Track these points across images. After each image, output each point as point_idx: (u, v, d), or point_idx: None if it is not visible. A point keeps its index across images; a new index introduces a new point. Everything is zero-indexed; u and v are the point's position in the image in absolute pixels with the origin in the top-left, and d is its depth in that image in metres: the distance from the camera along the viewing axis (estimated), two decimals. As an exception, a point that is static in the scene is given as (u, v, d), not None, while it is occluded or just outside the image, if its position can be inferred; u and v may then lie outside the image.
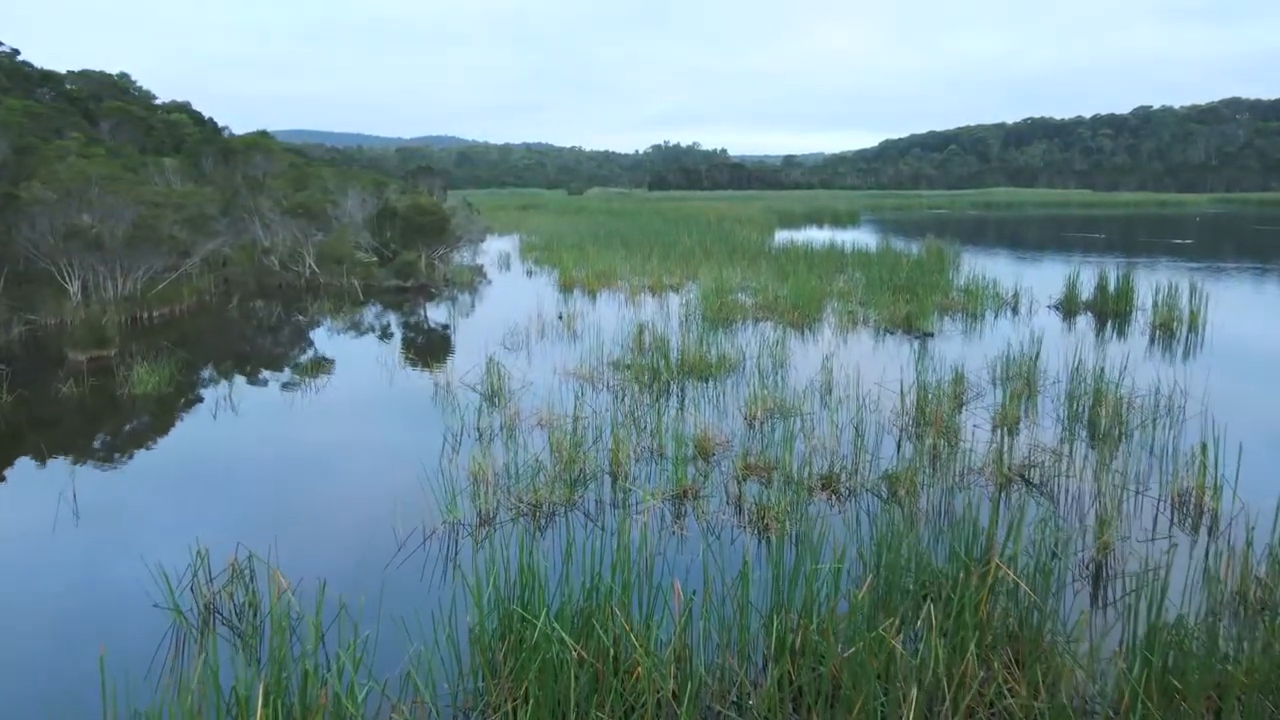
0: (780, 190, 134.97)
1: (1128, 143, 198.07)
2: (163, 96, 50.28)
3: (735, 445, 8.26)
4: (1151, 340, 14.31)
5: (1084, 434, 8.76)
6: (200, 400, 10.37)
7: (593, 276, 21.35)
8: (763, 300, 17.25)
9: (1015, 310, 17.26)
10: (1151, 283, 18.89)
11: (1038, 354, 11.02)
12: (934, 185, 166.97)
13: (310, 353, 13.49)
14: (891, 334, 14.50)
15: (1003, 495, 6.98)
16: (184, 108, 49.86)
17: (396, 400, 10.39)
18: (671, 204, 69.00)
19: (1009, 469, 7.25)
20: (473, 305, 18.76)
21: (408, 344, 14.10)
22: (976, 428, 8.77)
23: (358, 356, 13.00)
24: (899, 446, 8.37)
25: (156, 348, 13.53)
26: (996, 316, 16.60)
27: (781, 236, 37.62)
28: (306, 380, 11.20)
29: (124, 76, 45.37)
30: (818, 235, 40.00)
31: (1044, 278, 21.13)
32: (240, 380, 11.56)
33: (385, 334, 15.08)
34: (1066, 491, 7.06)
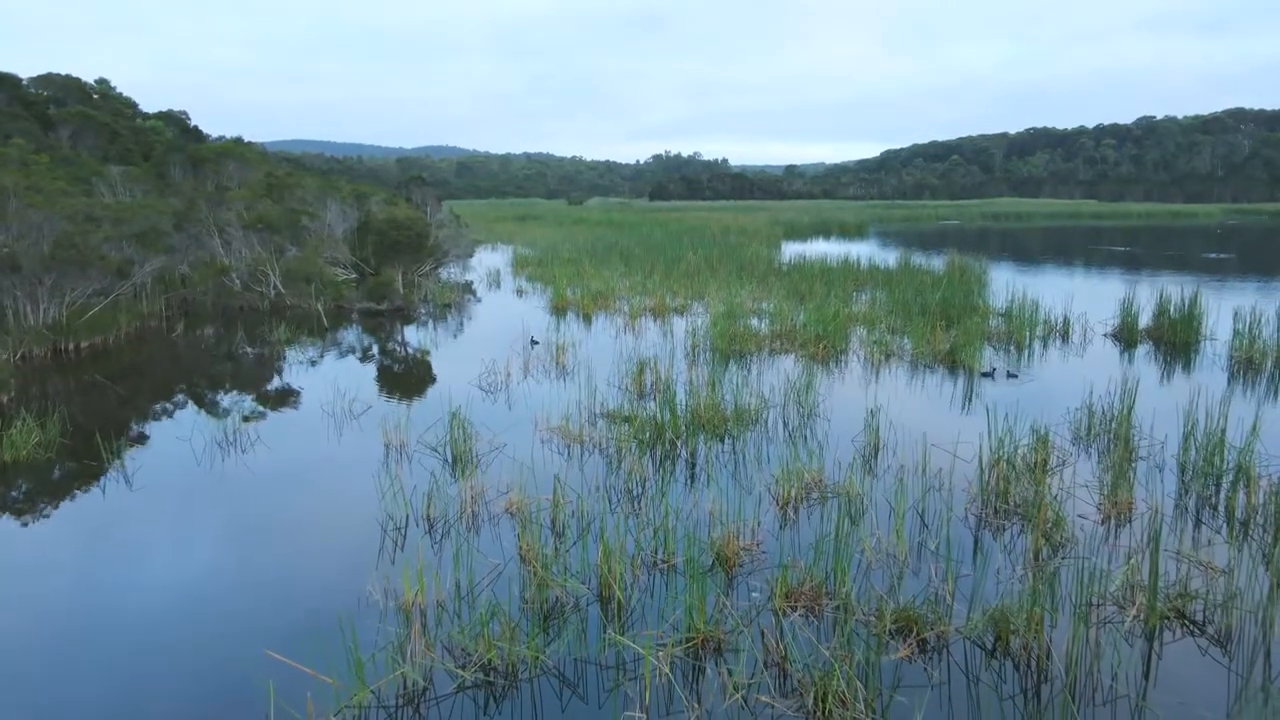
0: (782, 200, 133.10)
1: (1131, 153, 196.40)
2: (160, 106, 48.64)
3: (767, 548, 6.18)
4: (1233, 377, 12.23)
5: (1214, 522, 6.68)
6: (81, 474, 8.26)
7: (588, 297, 19.32)
8: (779, 327, 15.19)
9: (1066, 338, 15.20)
10: (1217, 306, 16.85)
11: (1131, 407, 8.93)
12: (937, 195, 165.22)
13: (246, 398, 11.42)
14: (932, 371, 12.43)
15: (1158, 649, 4.89)
16: (170, 116, 48.04)
17: (334, 471, 8.31)
18: (673, 215, 67.09)
19: (1163, 602, 5.14)
20: (452, 332, 16.71)
21: (365, 385, 12.03)
22: (1081, 519, 6.68)
23: (301, 404, 10.93)
24: (978, 545, 6.29)
25: (68, 390, 11.48)
26: (1046, 346, 14.53)
27: (789, 250, 35.64)
28: (230, 440, 9.12)
29: (103, 82, 43.51)
30: (827, 249, 37.99)
31: (1086, 298, 19.02)
32: (144, 441, 9.49)
33: (342, 372, 13.00)
34: (1249, 644, 4.96)
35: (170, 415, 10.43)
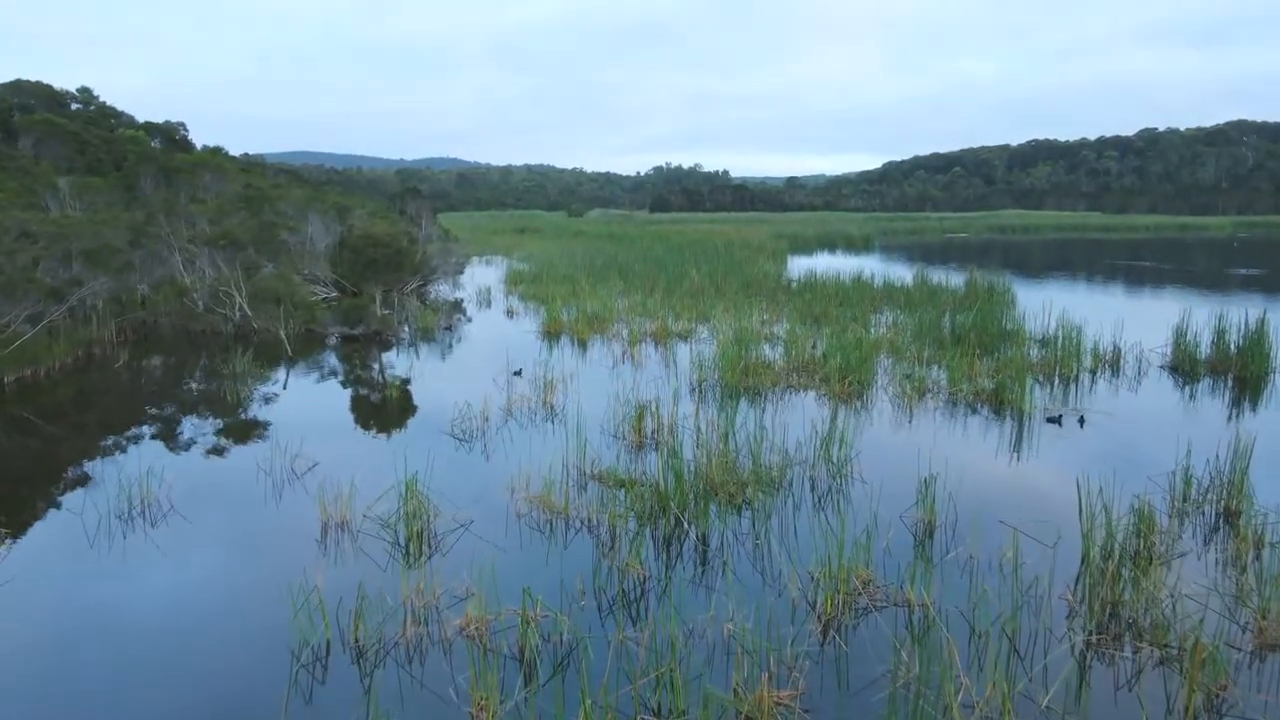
0: (784, 212, 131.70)
1: (1134, 165, 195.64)
2: (160, 117, 47.54)
3: (811, 699, 4.52)
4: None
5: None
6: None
7: (583, 320, 17.69)
8: (795, 357, 13.56)
9: (1116, 370, 13.53)
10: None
11: (1245, 470, 7.27)
12: (940, 207, 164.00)
13: (171, 450, 9.77)
14: (975, 412, 10.78)
15: None
16: (156, 126, 46.65)
17: (252, 558, 6.63)
18: (674, 227, 65.60)
19: None
20: (430, 362, 15.07)
21: (317, 433, 10.38)
22: (1237, 651, 5.00)
23: (237, 458, 9.26)
24: (1088, 686, 4.63)
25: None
26: (1095, 380, 12.88)
27: (796, 265, 34.08)
28: (136, 509, 7.46)
29: (85, 90, 42.06)
30: (835, 263, 36.45)
31: (1126, 320, 17.15)
32: (31, 511, 7.83)
33: (294, 414, 11.36)
34: None
35: (74, 472, 8.76)
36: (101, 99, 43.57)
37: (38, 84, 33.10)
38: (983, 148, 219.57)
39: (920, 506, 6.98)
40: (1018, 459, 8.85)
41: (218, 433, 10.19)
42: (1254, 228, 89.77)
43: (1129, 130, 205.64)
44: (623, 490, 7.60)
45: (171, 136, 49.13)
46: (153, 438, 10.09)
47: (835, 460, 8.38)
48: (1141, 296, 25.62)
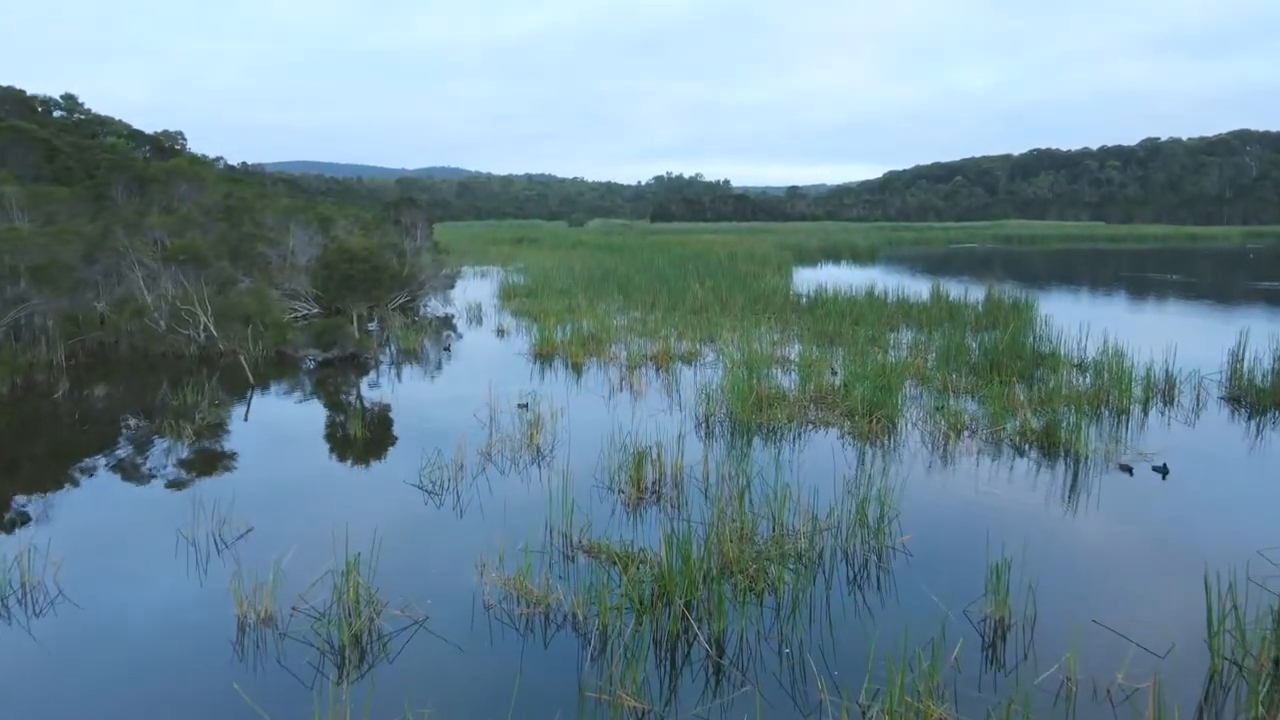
0: (785, 222, 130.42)
1: (1137, 174, 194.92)
2: (160, 127, 46.52)
3: None
4: None
5: None
6: None
7: (578, 341, 16.32)
8: (813, 388, 12.18)
9: (1170, 401, 12.13)
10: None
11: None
12: (942, 217, 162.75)
13: (82, 509, 8.37)
14: (1023, 455, 9.39)
15: None
16: (142, 135, 45.44)
17: (137, 682, 5.22)
18: (675, 237, 64.35)
19: None
20: (409, 390, 13.67)
21: (257, 486, 8.98)
22: None
23: (157, 519, 7.82)
24: None
25: None
26: (1146, 412, 11.49)
27: (801, 277, 32.79)
28: (20, 593, 6.07)
29: (69, 98, 40.83)
30: (842, 275, 35.13)
31: (1163, 341, 15.60)
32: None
33: (239, 459, 9.95)
34: None
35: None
36: (89, 107, 42.37)
37: (9, 89, 31.77)
38: (984, 157, 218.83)
39: (989, 598, 5.57)
40: (1090, 523, 7.43)
41: (144, 484, 8.77)
42: (1262, 238, 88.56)
43: (1131, 140, 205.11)
44: (616, 568, 6.22)
45: (162, 145, 47.89)
46: (62, 490, 8.68)
47: (872, 524, 6.98)
48: (1169, 313, 24.23)
